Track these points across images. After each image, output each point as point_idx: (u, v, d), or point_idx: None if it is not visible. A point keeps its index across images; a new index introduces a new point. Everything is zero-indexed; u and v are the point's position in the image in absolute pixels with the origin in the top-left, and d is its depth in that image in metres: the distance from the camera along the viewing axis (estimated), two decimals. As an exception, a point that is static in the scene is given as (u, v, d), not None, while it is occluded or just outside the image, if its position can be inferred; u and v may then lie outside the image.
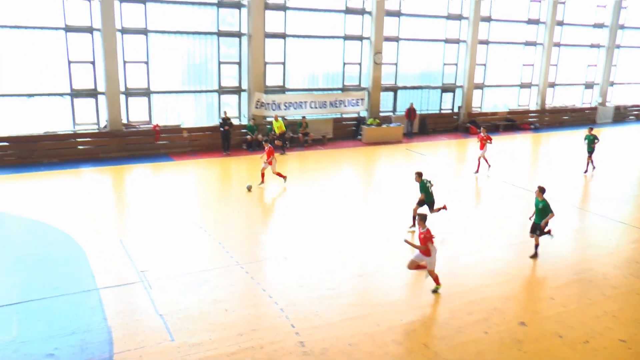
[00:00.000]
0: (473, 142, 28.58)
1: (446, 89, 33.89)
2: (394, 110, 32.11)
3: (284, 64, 27.94)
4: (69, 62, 23.36)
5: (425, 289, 12.11)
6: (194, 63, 25.84)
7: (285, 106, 27.36)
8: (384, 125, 29.93)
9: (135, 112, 24.98)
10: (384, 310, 11.16)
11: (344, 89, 29.85)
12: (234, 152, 25.65)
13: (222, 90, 26.67)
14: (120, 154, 24.06)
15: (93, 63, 23.78)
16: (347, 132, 30.10)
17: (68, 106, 23.69)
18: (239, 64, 26.79)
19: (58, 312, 10.96)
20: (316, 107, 28.29)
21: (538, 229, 13.74)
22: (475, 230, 16.32)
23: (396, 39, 31.05)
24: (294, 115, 27.91)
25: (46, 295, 11.65)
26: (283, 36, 27.55)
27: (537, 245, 13.97)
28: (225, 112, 25.47)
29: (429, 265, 11.75)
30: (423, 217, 11.67)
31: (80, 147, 23.70)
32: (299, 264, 13.39)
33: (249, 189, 19.36)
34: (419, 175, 15.54)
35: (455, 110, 34.38)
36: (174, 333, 10.16)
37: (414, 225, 15.30)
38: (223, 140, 25.22)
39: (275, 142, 25.26)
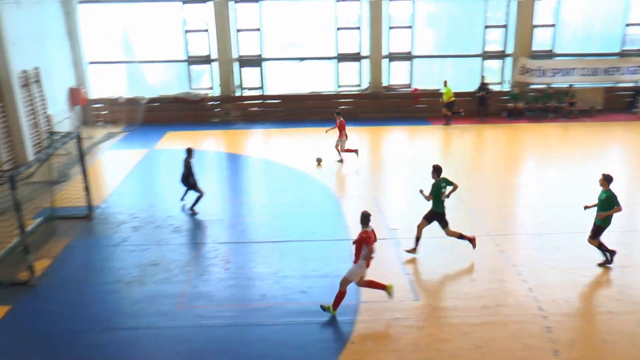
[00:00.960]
0: None
1: None
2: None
3: (554, 25, 25.76)
4: (337, 29, 24.84)
5: None
6: (457, 27, 25.41)
7: (552, 73, 25.43)
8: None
9: (396, 76, 25.62)
10: (650, 310, 9.88)
11: (623, 53, 26.47)
12: (494, 119, 24.75)
13: (485, 55, 25.85)
14: (378, 115, 24.99)
15: (359, 28, 24.92)
16: (620, 104, 26.72)
17: (333, 69, 25.27)
18: (506, 27, 25.56)
19: (312, 255, 12.01)
20: (586, 75, 25.71)
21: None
22: None
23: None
24: (560, 82, 25.75)
25: (304, 238, 12.87)
26: (556, -5, 25.39)
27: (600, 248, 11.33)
28: (483, 77, 24.70)
29: (347, 274, 9.65)
30: (366, 216, 9.66)
31: (341, 107, 25.13)
32: (554, 242, 12.47)
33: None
34: (437, 171, 11.77)
35: None
36: (418, 293, 10.36)
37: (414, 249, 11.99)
38: (479, 106, 24.56)
39: (443, 110, 23.96)
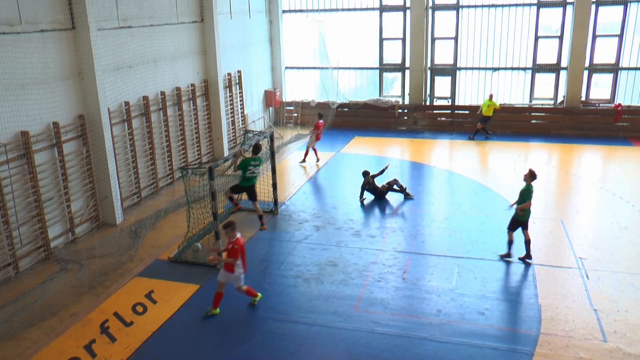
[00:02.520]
0: None
1: None
2: None
3: None
4: (536, 37, 23.66)
5: None
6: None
7: None
8: None
9: (597, 90, 23.74)
10: None
11: None
12: None
13: None
14: (572, 132, 23.35)
15: (560, 37, 23.48)
16: None
17: (528, 80, 24.16)
18: None
19: (493, 275, 11.59)
20: None
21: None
22: None
23: None
24: None
25: (485, 256, 12.46)
26: None
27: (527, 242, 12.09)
28: None
29: (235, 282, 10.18)
30: (230, 225, 9.89)
31: (533, 121, 23.96)
32: None
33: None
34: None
35: None
36: (607, 334, 9.49)
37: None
38: None
39: (478, 125, 22.58)
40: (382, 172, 16.55)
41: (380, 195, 16.14)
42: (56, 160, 13.07)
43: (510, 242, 12.29)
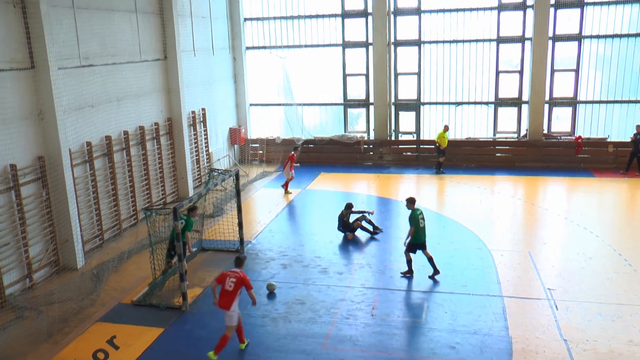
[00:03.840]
0: None
1: None
2: None
3: None
4: (497, 72, 24.37)
5: None
6: (626, 69, 23.66)
7: None
8: None
9: (558, 123, 24.45)
10: None
11: None
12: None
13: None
14: (536, 164, 23.91)
15: (520, 72, 24.21)
16: None
17: (491, 114, 24.75)
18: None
19: (462, 309, 11.64)
20: None
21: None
22: None
23: None
24: None
25: (454, 290, 12.53)
26: None
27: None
28: (638, 127, 22.32)
29: (229, 321, 9.99)
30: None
31: (498, 154, 24.47)
32: None
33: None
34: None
35: None
36: (577, 364, 9.58)
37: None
38: (631, 157, 22.34)
39: (440, 158, 23.31)
40: (363, 213, 16.56)
41: (350, 230, 16.10)
42: (13, 204, 12.80)
43: (409, 261, 13.31)
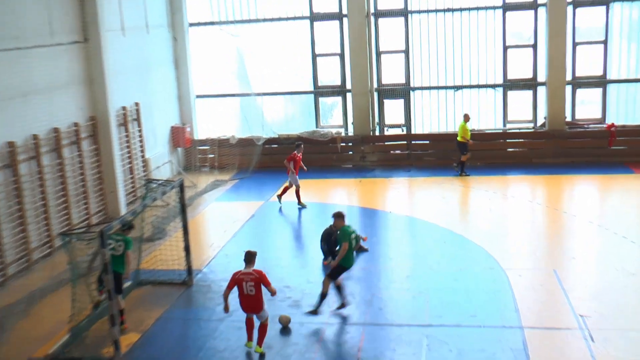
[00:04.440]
0: None
1: None
2: None
3: None
4: (505, 47, 24.54)
5: None
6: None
7: None
8: None
9: (584, 108, 24.66)
10: None
11: None
12: None
13: None
14: (558, 160, 24.03)
15: (534, 47, 24.31)
16: None
17: (500, 100, 24.83)
18: None
19: (472, 346, 11.48)
20: None
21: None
22: None
23: None
24: None
25: (461, 322, 12.37)
26: None
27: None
28: None
29: (262, 317, 11.69)
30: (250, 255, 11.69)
31: (509, 149, 24.51)
32: None
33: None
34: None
35: None
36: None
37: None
38: None
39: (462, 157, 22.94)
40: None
41: (334, 256, 15.50)
42: None
43: (339, 289, 13.03)
